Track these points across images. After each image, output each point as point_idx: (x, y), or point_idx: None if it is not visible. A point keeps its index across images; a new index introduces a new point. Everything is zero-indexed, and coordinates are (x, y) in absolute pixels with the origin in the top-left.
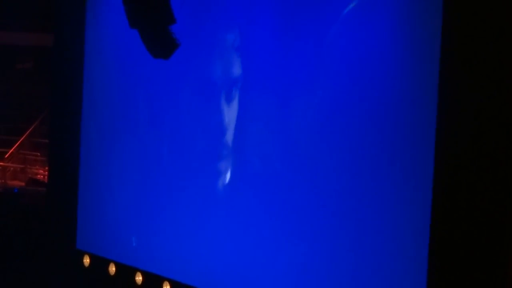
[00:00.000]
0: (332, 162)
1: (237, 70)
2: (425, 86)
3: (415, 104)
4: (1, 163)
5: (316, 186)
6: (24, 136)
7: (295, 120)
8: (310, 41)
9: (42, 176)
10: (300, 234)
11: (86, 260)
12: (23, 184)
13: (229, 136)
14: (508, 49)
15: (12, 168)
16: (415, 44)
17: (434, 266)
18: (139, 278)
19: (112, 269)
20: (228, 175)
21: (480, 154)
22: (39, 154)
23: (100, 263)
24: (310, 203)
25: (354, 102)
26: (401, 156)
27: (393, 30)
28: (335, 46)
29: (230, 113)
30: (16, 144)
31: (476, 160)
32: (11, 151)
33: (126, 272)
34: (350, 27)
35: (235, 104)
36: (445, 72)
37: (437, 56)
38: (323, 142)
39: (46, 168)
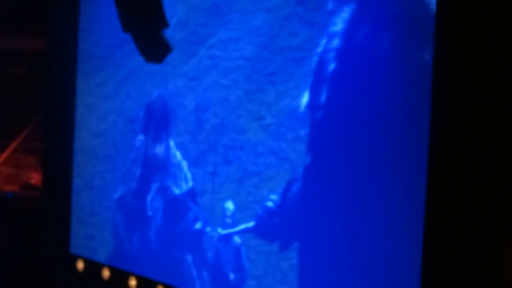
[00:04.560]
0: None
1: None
2: (419, 86)
3: (408, 105)
4: None
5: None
6: (17, 141)
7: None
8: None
9: (36, 181)
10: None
11: (80, 265)
12: (17, 188)
13: (223, 138)
14: (503, 48)
15: (5, 173)
16: (409, 46)
17: (428, 266)
18: (133, 282)
19: (105, 273)
20: (221, 177)
21: (473, 154)
22: (33, 158)
23: (93, 267)
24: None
25: (348, 102)
26: (395, 156)
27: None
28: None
29: (226, 115)
30: (10, 149)
31: (470, 160)
32: (4, 155)
33: (120, 276)
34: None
35: (230, 105)
36: (438, 73)
37: (431, 56)
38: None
39: (40, 172)
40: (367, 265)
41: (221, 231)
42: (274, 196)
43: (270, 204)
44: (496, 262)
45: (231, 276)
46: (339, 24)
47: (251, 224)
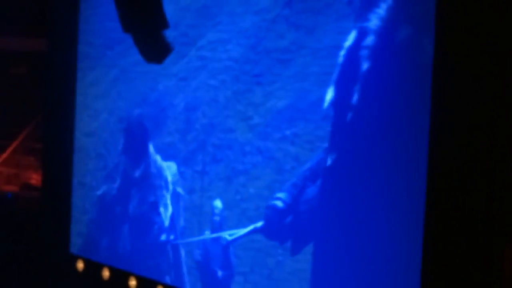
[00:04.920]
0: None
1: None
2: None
3: (408, 107)
4: None
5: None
6: (17, 141)
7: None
8: None
9: (35, 181)
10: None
11: (80, 265)
12: (17, 188)
13: (212, 138)
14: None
15: (5, 173)
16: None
17: (428, 266)
18: (133, 282)
19: (105, 273)
20: (210, 176)
21: (473, 154)
22: (33, 158)
23: (93, 267)
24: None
25: (375, 102)
26: (395, 158)
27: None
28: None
29: (215, 115)
30: (10, 149)
31: (470, 160)
32: (4, 156)
33: (120, 276)
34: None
35: (218, 105)
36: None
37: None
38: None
39: (40, 172)
40: (377, 265)
41: (228, 236)
42: (282, 195)
43: (279, 203)
44: (496, 262)
45: (219, 273)
46: (373, 21)
47: (259, 224)
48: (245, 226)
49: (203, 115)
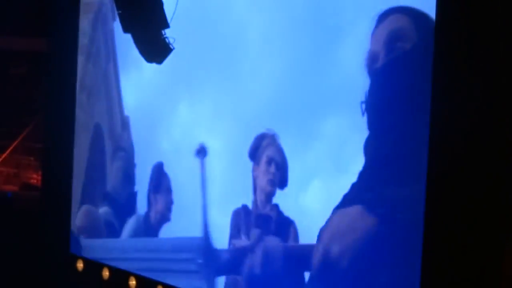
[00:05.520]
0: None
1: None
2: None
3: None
4: None
5: None
6: (17, 141)
7: None
8: None
9: (35, 181)
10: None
11: (80, 265)
12: (16, 188)
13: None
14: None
15: (5, 173)
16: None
17: (428, 265)
18: (132, 282)
19: (105, 273)
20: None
21: (473, 153)
22: (32, 158)
23: (93, 267)
24: None
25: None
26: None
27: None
28: None
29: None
30: (10, 149)
31: (470, 159)
32: (4, 155)
33: (120, 276)
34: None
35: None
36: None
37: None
38: None
39: (40, 172)
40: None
41: None
42: None
43: None
44: (496, 261)
45: None
46: None
47: None
48: None
49: None
